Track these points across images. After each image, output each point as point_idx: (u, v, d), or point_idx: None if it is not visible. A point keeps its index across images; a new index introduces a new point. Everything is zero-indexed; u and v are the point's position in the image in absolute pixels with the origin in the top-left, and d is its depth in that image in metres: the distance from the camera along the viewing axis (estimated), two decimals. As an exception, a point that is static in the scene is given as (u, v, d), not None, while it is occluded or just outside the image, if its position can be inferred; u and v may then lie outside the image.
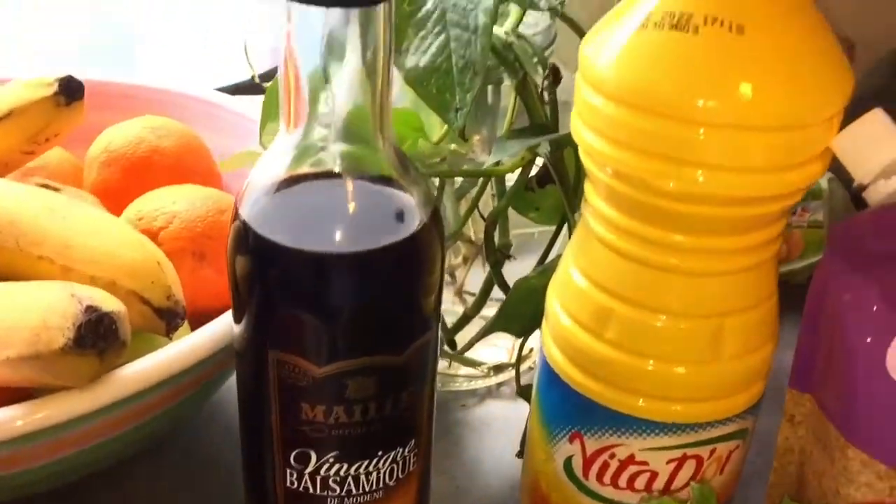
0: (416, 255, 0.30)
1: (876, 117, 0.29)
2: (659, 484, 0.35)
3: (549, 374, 0.36)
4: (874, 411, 0.31)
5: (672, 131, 0.28)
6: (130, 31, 0.95)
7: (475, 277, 0.50)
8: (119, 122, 0.50)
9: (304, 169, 0.30)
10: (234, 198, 0.32)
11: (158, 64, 0.88)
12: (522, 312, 0.43)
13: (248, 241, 0.29)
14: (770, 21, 0.28)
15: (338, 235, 0.29)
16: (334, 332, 0.29)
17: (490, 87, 0.47)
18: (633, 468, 0.35)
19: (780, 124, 0.28)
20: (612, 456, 0.35)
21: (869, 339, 0.30)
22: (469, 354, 0.52)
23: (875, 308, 0.30)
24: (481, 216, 0.46)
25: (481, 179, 0.45)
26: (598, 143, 0.30)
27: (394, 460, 0.33)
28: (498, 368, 0.52)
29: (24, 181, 0.45)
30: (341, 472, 0.32)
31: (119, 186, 0.47)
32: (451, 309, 0.51)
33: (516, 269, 0.46)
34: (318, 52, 0.27)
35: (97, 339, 0.30)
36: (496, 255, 0.46)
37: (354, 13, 0.27)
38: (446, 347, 0.51)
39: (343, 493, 0.33)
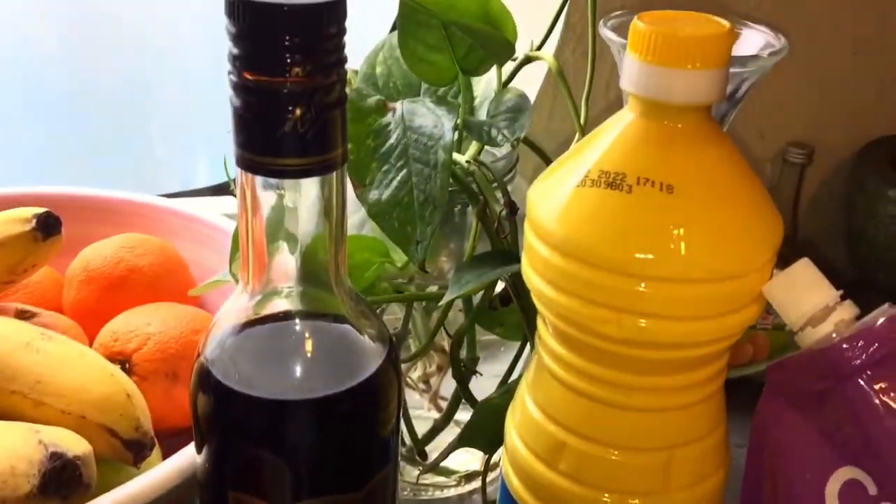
0: (372, 396, 0.31)
1: (804, 267, 0.31)
2: None
3: (508, 498, 0.37)
4: None
5: (613, 283, 0.30)
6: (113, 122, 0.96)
7: (451, 384, 0.51)
8: (99, 239, 0.51)
9: (265, 312, 0.31)
10: (209, 315, 0.33)
11: (145, 158, 0.90)
12: (487, 429, 0.44)
13: (208, 382, 0.31)
14: (697, 178, 0.30)
15: (294, 380, 0.31)
16: (292, 475, 0.30)
17: (457, 209, 0.49)
18: None
19: (714, 276, 0.30)
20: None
21: (808, 476, 0.31)
22: (443, 463, 0.53)
23: (811, 446, 0.31)
24: (447, 334, 0.47)
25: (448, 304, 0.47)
26: (546, 289, 0.32)
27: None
28: (469, 477, 0.53)
29: (3, 301, 0.46)
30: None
31: (97, 305, 0.48)
32: (426, 416, 0.52)
33: (486, 376, 0.48)
34: (278, 210, 0.29)
35: (60, 486, 0.31)
36: (462, 370, 0.47)
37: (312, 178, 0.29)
38: (417, 458, 0.52)
39: None
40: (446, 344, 0.52)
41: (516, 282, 0.44)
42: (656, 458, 0.33)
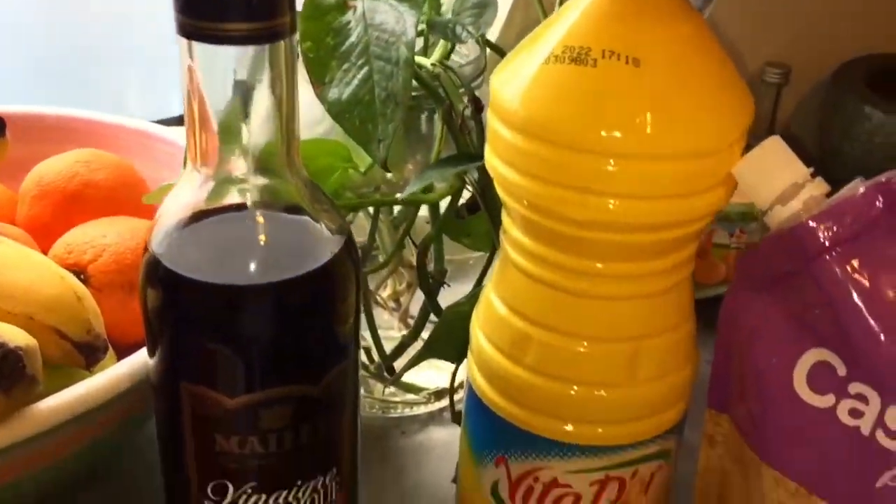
0: (327, 284, 0.30)
1: (774, 145, 0.30)
2: (582, 507, 0.35)
3: (475, 400, 0.36)
4: (784, 430, 0.31)
5: (578, 162, 0.29)
6: (87, 52, 0.94)
7: (422, 303, 0.50)
8: (53, 155, 0.50)
9: (215, 202, 0.30)
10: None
11: (113, 88, 0.88)
12: (454, 338, 0.43)
13: (157, 273, 0.29)
14: (664, 53, 0.29)
15: (247, 267, 0.29)
16: (244, 364, 0.29)
17: (423, 116, 0.47)
18: (557, 491, 0.35)
19: (681, 153, 0.29)
20: (536, 479, 0.35)
21: (775, 360, 0.30)
22: (412, 380, 0.52)
23: (779, 330, 0.30)
24: (413, 244, 0.46)
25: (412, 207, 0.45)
26: (510, 174, 0.31)
27: (315, 490, 0.33)
28: (439, 394, 0.52)
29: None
30: (260, 503, 0.32)
31: (51, 220, 0.46)
32: (396, 336, 0.51)
33: (454, 295, 0.47)
34: (224, 87, 0.28)
35: (2, 376, 0.30)
36: (429, 282, 0.46)
37: (256, 49, 0.27)
38: (385, 374, 0.51)
39: (263, 527, 0.33)
40: (415, 260, 0.51)
41: (483, 188, 0.43)
42: (622, 350, 0.33)
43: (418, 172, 0.48)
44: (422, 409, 0.53)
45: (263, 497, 0.32)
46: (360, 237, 0.49)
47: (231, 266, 0.30)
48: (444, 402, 0.53)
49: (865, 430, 0.29)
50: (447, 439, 0.51)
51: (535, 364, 0.33)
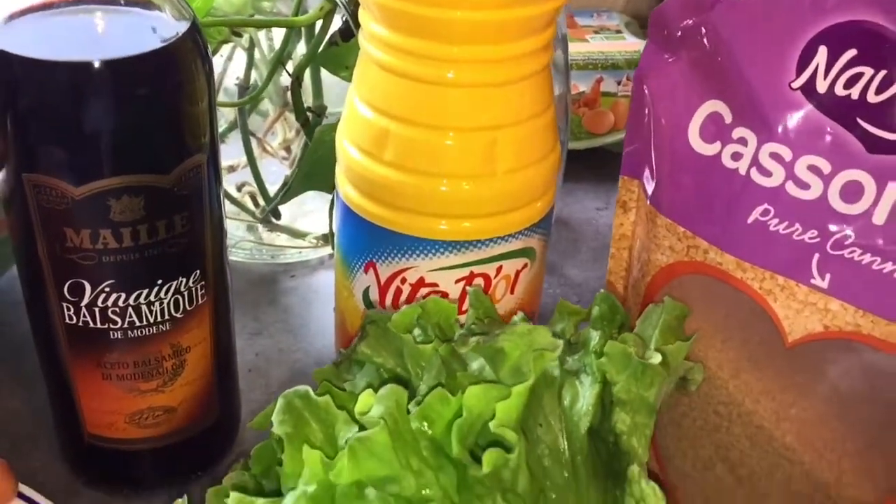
0: (168, 64, 0.29)
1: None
2: (450, 305, 0.36)
3: (343, 209, 0.36)
4: (677, 178, 0.32)
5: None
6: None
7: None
8: None
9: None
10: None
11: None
12: (327, 164, 0.43)
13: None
14: None
15: (86, 48, 0.28)
16: (85, 149, 0.29)
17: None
18: (424, 291, 0.35)
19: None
20: (404, 280, 0.35)
21: (675, 115, 0.31)
22: (299, 226, 0.52)
23: (681, 86, 0.31)
24: (288, 74, 0.45)
25: (286, 37, 0.44)
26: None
27: (177, 291, 0.33)
28: (326, 238, 0.52)
29: None
30: (120, 303, 0.32)
31: None
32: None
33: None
34: None
35: None
36: (305, 114, 0.45)
37: None
38: (271, 217, 0.51)
39: (126, 325, 0.32)
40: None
41: (355, 10, 0.43)
42: (481, 139, 0.33)
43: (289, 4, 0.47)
44: (311, 255, 0.53)
45: (123, 296, 0.32)
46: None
47: (69, 47, 0.29)
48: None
49: (743, 171, 0.30)
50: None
51: (396, 159, 0.33)
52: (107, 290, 0.31)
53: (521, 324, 0.27)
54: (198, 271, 0.33)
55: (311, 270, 0.52)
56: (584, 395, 0.27)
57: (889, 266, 0.29)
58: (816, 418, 0.32)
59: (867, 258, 0.29)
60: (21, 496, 0.35)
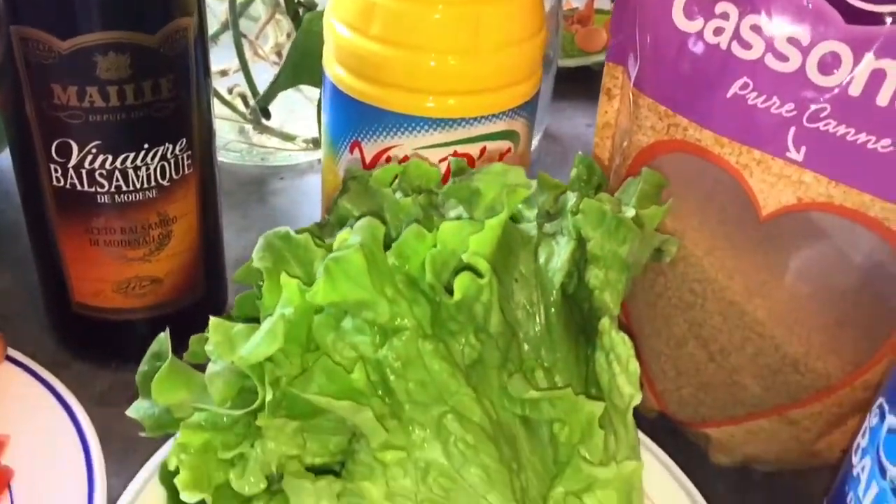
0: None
1: None
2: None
3: (330, 90, 0.37)
4: (660, 57, 0.33)
5: None
6: None
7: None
8: None
9: None
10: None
11: None
12: (315, 57, 0.43)
13: None
14: None
15: None
16: (72, 0, 0.29)
17: None
18: (408, 170, 0.36)
19: None
20: (388, 160, 0.36)
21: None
22: (290, 130, 0.53)
23: None
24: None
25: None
26: None
27: (163, 157, 0.33)
28: (317, 142, 0.53)
29: None
30: (107, 166, 0.32)
31: None
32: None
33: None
34: None
35: None
36: (296, 8, 0.46)
37: None
38: (262, 117, 0.51)
39: (112, 189, 0.33)
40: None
41: None
42: (463, 14, 0.33)
43: None
44: (300, 158, 0.53)
45: (109, 158, 0.32)
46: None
47: None
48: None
49: (724, 45, 0.31)
50: (326, 185, 0.52)
51: (383, 33, 0.34)
52: (93, 151, 0.32)
53: (497, 164, 0.27)
54: (184, 140, 0.34)
55: (300, 173, 0.53)
56: (560, 254, 0.28)
57: (863, 137, 0.29)
58: (787, 294, 0.32)
59: (842, 129, 0.30)
60: (10, 360, 0.36)
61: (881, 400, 0.27)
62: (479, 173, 0.27)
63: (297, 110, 0.52)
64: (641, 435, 0.30)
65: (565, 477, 0.26)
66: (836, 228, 0.31)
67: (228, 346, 0.24)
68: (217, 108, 0.46)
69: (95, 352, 0.38)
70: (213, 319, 0.24)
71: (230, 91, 0.52)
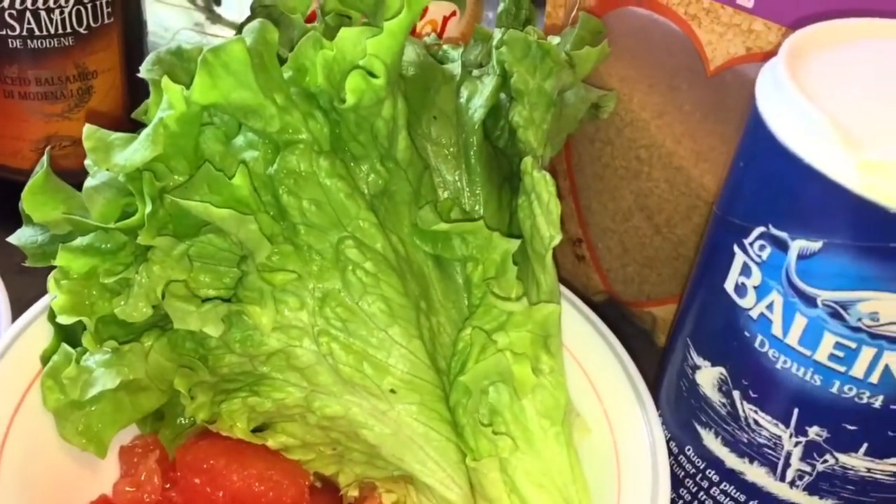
0: None
1: None
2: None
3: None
4: None
5: None
6: None
7: None
8: None
9: None
10: None
11: None
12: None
13: None
14: None
15: None
16: None
17: None
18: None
19: None
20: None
21: None
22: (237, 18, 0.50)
23: None
24: None
25: None
26: None
27: (79, 1, 0.31)
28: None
29: None
30: (17, 5, 0.30)
31: None
32: None
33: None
34: None
35: None
36: None
37: None
38: (213, 5, 0.49)
39: (24, 33, 0.31)
40: None
41: None
42: None
43: None
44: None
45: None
46: None
47: None
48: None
49: None
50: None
51: None
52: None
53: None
54: (103, -14, 0.32)
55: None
56: (483, 92, 0.26)
57: (816, -23, 0.27)
58: (737, 159, 0.30)
59: (794, -29, 0.27)
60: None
61: (764, 229, 0.22)
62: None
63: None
64: (567, 291, 0.28)
65: (476, 315, 0.24)
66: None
67: (104, 152, 0.22)
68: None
69: (17, 218, 0.36)
70: (87, 126, 0.22)
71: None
